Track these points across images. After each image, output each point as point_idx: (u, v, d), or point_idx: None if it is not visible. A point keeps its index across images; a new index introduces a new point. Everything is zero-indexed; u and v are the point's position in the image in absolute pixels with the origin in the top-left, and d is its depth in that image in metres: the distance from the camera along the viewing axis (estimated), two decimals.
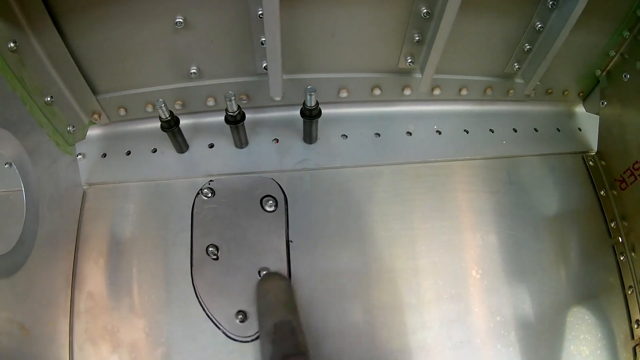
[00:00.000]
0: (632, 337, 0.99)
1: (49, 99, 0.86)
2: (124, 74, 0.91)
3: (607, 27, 0.93)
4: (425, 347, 0.87)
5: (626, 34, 0.94)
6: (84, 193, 0.97)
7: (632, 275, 1.01)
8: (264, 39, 0.84)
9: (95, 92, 0.93)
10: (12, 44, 0.75)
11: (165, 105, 0.85)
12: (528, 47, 0.92)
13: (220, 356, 0.85)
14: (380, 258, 0.90)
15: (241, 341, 0.85)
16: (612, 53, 0.98)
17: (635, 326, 0.99)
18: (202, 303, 0.87)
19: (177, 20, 0.80)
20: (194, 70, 0.90)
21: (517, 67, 0.96)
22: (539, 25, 0.89)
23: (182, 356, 0.86)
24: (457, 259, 0.92)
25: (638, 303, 0.99)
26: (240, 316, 0.85)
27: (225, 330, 0.85)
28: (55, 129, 0.90)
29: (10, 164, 1.01)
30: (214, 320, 0.86)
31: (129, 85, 0.93)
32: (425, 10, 0.82)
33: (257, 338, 0.85)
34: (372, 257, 0.90)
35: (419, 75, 0.95)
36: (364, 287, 0.88)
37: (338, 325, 0.86)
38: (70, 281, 0.91)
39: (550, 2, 0.84)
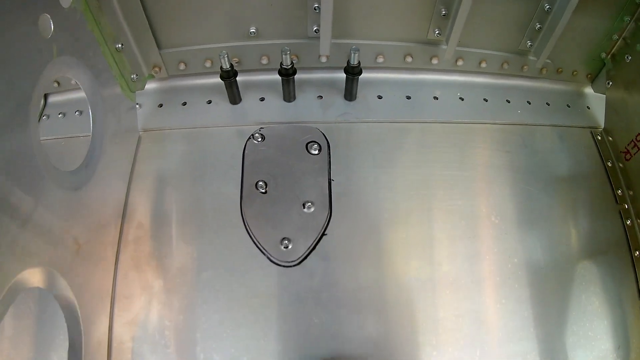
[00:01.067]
0: None
1: (119, 45, 0.97)
2: (188, 31, 1.04)
3: (610, 12, 1.08)
4: (450, 279, 0.95)
5: (627, 19, 1.09)
6: (140, 137, 1.07)
7: (638, 239, 1.10)
8: (317, 5, 0.98)
9: (159, 46, 1.05)
10: None
11: (227, 56, 0.98)
12: (539, 26, 1.07)
13: (264, 280, 0.92)
14: (409, 198, 1.00)
15: (285, 266, 0.93)
16: (615, 37, 1.12)
17: None
18: (249, 231, 0.95)
19: None
20: (253, 30, 1.03)
21: (529, 44, 1.10)
22: (547, 7, 1.03)
23: (227, 280, 0.93)
24: (476, 204, 1.02)
25: None
26: (285, 242, 0.93)
27: (270, 256, 0.93)
28: (122, 74, 1.01)
29: (81, 112, 1.12)
30: (259, 246, 0.94)
31: (190, 41, 1.06)
32: None
33: (299, 263, 0.93)
34: (401, 197, 1.00)
35: (445, 47, 1.09)
36: (394, 220, 0.97)
37: (374, 252, 0.94)
38: (122, 213, 0.99)
39: None
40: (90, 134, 0.89)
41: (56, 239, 0.73)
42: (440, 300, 0.94)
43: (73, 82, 0.85)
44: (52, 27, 0.72)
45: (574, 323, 0.98)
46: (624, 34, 1.12)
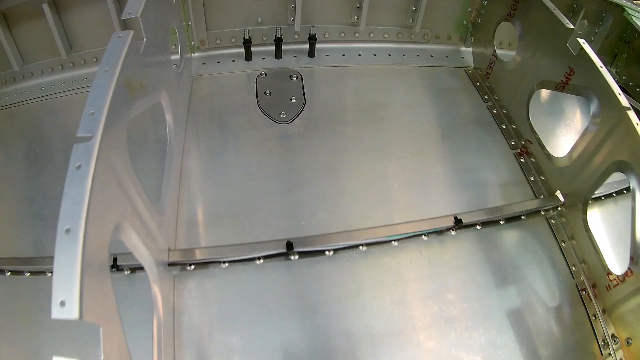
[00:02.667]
0: None
1: (190, 23, 1.83)
2: (222, 20, 1.90)
3: None
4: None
5: None
6: (192, 80, 1.88)
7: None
8: (292, 5, 1.88)
9: (207, 28, 1.92)
10: None
11: (248, 31, 1.86)
12: (413, 8, 1.99)
13: (269, 129, 1.69)
14: (345, 97, 1.83)
15: (283, 123, 1.71)
16: (469, 9, 2.02)
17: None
18: (263, 111, 1.74)
19: None
20: (260, 20, 1.92)
21: (411, 20, 2.01)
22: None
23: (245, 135, 1.68)
24: (387, 102, 1.85)
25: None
26: (282, 113, 1.74)
27: (275, 120, 1.72)
28: (189, 40, 1.85)
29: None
30: (269, 116, 1.73)
31: (223, 26, 1.92)
32: None
33: (290, 122, 1.71)
34: (341, 96, 1.84)
35: (361, 26, 1.99)
36: (339, 106, 1.79)
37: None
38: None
39: None
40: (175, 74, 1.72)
41: None
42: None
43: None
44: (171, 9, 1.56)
45: None
46: (475, 6, 2.02)
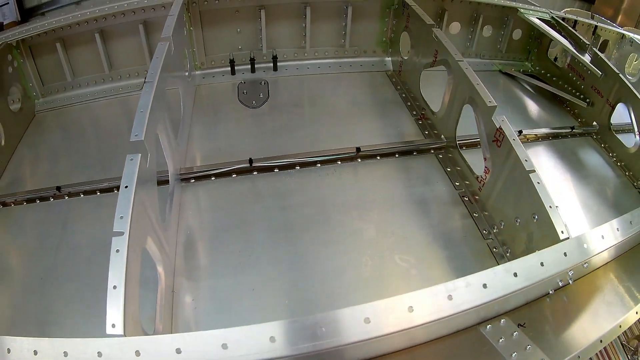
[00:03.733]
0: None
1: (194, 49, 2.74)
2: (215, 48, 2.81)
3: (377, 19, 2.85)
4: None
5: (386, 20, 2.89)
6: (196, 87, 2.75)
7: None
8: (261, 36, 2.81)
9: (205, 53, 2.82)
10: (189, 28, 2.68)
11: (232, 55, 2.76)
12: (343, 32, 2.89)
13: (246, 111, 2.51)
14: (303, 85, 2.68)
15: (253, 108, 2.53)
16: (385, 29, 2.92)
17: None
18: (242, 102, 2.58)
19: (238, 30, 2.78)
20: (240, 47, 2.83)
21: (343, 42, 2.92)
22: (344, 24, 2.87)
23: (230, 114, 2.50)
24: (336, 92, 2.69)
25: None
26: (254, 102, 2.56)
27: (248, 106, 2.55)
28: (194, 61, 2.75)
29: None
30: (245, 105, 2.55)
31: (216, 52, 2.83)
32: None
33: (259, 106, 2.53)
34: (299, 85, 2.68)
35: (307, 47, 2.89)
36: (299, 85, 2.63)
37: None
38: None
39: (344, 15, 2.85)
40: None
41: None
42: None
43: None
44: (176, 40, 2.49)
45: None
46: (390, 26, 2.92)
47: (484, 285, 1.24)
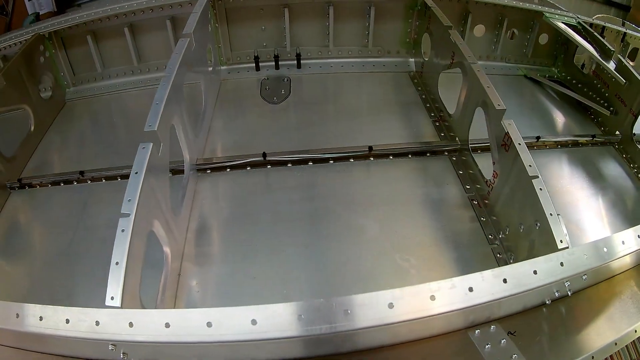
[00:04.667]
0: None
1: (220, 45, 2.85)
2: (240, 45, 2.91)
3: (402, 19, 2.85)
4: None
5: (410, 21, 2.88)
6: (221, 82, 2.86)
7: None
8: (285, 34, 2.88)
9: (231, 50, 2.92)
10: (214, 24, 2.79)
11: (257, 51, 2.85)
12: (367, 32, 2.91)
13: (267, 106, 2.59)
14: (325, 82, 2.73)
15: (274, 104, 2.61)
16: (409, 30, 2.92)
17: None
18: (263, 98, 2.66)
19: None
20: (265, 44, 2.92)
21: (367, 41, 2.93)
22: (367, 24, 2.89)
23: (252, 108, 2.59)
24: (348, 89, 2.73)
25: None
26: (275, 98, 2.64)
27: (269, 102, 2.62)
28: (220, 56, 2.87)
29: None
30: (267, 100, 2.63)
31: (241, 48, 2.93)
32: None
33: (280, 103, 2.61)
34: (321, 83, 2.73)
35: (331, 47, 2.93)
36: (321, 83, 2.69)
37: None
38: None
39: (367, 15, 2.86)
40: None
41: None
42: None
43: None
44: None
45: None
46: (413, 27, 2.91)
47: (470, 289, 1.24)
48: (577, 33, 2.65)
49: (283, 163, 2.23)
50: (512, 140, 1.66)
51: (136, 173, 1.42)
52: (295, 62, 2.92)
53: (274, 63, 2.91)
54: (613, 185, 2.28)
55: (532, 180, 1.53)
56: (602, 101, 2.68)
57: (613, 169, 2.38)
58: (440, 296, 1.21)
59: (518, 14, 2.87)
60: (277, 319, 1.13)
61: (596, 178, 2.29)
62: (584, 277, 1.39)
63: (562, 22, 2.68)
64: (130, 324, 1.12)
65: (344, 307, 1.15)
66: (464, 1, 2.80)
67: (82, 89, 2.83)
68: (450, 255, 1.84)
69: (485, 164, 2.12)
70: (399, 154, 2.28)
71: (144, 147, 1.49)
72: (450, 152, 2.33)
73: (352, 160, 2.23)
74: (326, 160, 2.21)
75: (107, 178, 2.18)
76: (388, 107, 2.66)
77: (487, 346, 1.29)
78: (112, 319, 1.13)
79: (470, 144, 2.20)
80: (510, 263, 1.77)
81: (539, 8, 2.83)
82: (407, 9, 2.79)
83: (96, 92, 2.83)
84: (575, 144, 2.46)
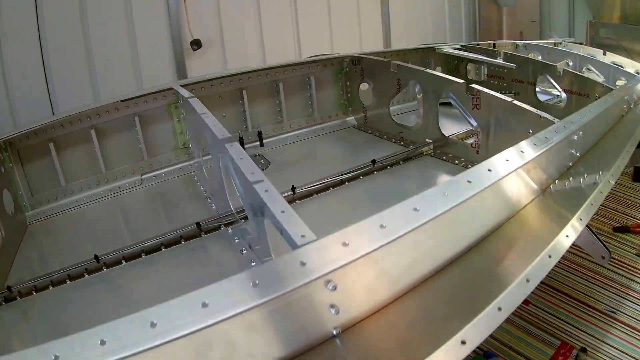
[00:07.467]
0: None
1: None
2: None
3: (335, 85, 3.40)
4: None
5: (340, 84, 3.45)
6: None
7: None
8: (244, 117, 3.15)
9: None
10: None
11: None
12: (310, 102, 3.38)
13: None
14: None
15: None
16: (341, 92, 3.46)
17: None
18: None
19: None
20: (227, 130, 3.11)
21: (310, 111, 3.39)
22: (308, 95, 3.38)
23: None
24: None
25: None
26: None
27: None
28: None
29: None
30: None
31: None
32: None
33: None
34: None
35: (284, 122, 3.30)
36: None
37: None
38: None
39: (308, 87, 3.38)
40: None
41: None
42: None
43: None
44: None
45: None
46: (345, 89, 3.46)
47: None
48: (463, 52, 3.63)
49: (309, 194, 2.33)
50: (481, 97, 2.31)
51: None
52: (258, 141, 3.14)
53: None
54: None
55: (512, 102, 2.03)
56: (506, 93, 3.45)
57: None
58: None
59: (415, 56, 3.70)
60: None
61: None
62: None
63: (451, 49, 3.66)
64: (344, 244, 1.03)
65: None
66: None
67: (43, 211, 2.44)
68: None
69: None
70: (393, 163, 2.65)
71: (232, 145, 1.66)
72: (428, 150, 2.75)
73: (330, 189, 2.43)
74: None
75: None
76: (348, 151, 3.07)
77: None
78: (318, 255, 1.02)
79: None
80: None
81: (431, 45, 3.79)
82: (336, 74, 3.41)
83: (58, 210, 2.46)
84: None
